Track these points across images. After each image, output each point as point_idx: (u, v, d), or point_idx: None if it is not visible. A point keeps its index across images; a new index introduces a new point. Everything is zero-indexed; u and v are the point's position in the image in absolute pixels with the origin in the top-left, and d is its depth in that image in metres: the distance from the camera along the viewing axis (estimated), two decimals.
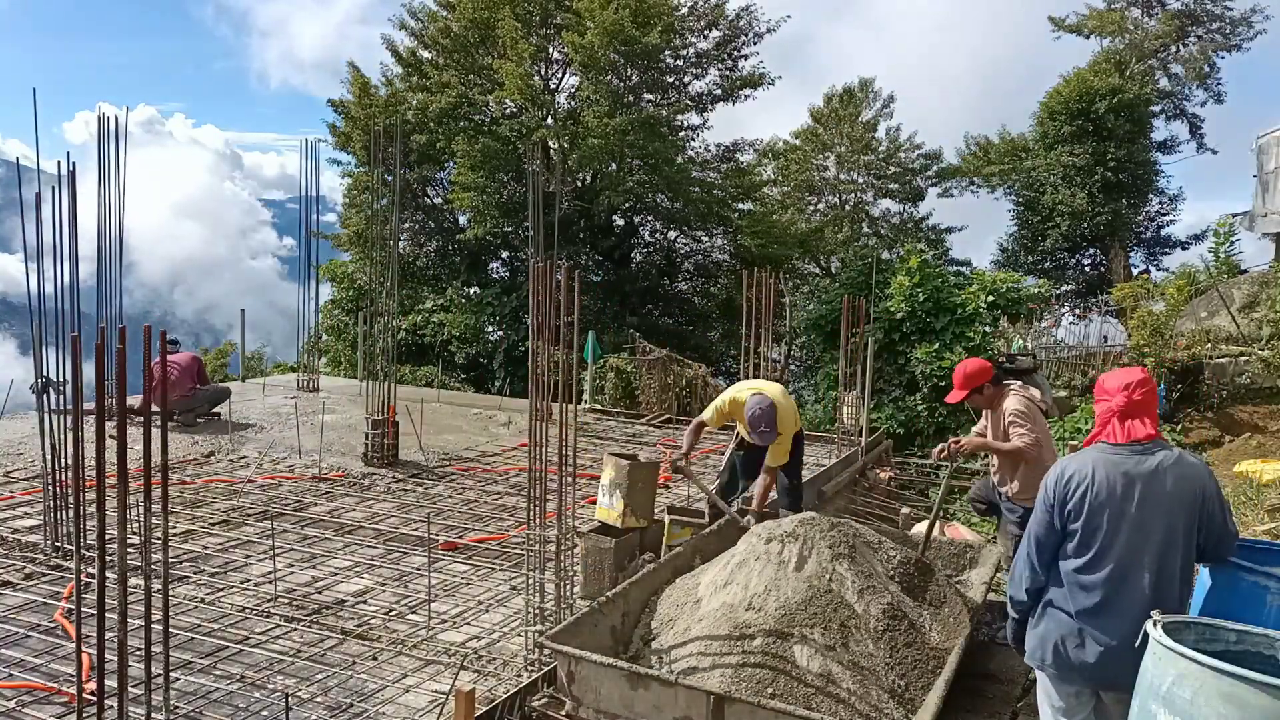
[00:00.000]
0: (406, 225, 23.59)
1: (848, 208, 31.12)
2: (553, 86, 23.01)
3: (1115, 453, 3.27)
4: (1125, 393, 3.30)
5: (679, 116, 23.05)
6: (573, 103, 22.57)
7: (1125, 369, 3.48)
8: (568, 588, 5.15)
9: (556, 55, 22.86)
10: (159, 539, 3.59)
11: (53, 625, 5.09)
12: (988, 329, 14.96)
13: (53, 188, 5.71)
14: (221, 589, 5.74)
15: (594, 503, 6.61)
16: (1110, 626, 3.22)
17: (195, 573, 5.99)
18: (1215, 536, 3.32)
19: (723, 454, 7.73)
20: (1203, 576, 4.73)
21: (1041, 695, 3.54)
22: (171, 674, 3.67)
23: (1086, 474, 3.26)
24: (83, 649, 3.66)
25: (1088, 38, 29.22)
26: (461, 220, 23.77)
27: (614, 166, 21.86)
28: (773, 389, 6.32)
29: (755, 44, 23.00)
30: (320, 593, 5.75)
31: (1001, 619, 5.63)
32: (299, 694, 4.39)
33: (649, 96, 22.59)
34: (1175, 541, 3.23)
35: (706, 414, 6.36)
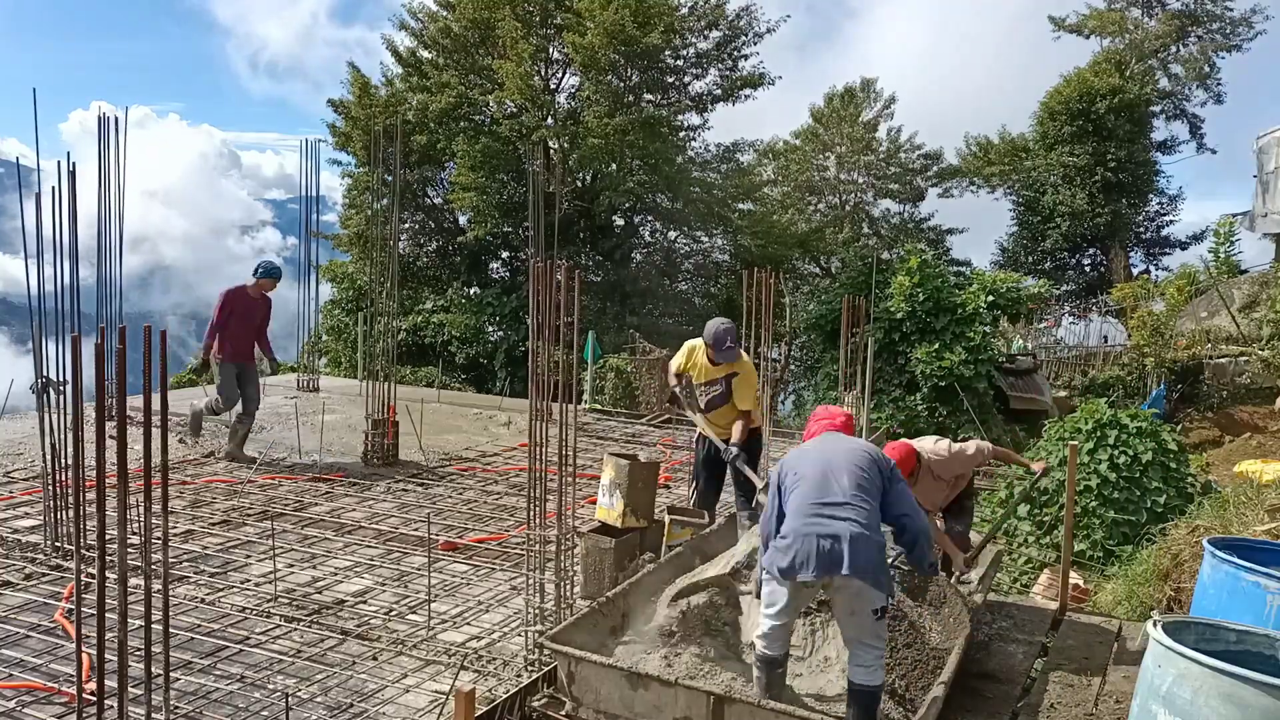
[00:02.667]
0: (406, 225, 23.56)
1: (848, 208, 31.10)
2: (553, 86, 23.00)
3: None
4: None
5: (679, 116, 23.04)
6: (573, 103, 22.55)
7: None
8: (568, 588, 5.14)
9: (556, 55, 22.84)
10: (159, 539, 3.59)
11: (53, 625, 5.08)
12: (987, 329, 14.96)
13: (52, 187, 5.72)
14: (221, 589, 5.74)
15: (594, 503, 6.60)
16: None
17: (195, 573, 5.99)
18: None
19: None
20: (1203, 577, 4.73)
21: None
22: (171, 674, 3.67)
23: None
24: (83, 649, 3.66)
25: (1088, 38, 29.21)
26: (462, 220, 23.74)
27: (614, 166, 21.84)
28: None
29: (755, 44, 23.01)
30: (320, 593, 5.75)
31: (1003, 618, 5.65)
32: (299, 694, 4.39)
33: (649, 96, 22.56)
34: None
35: (674, 360, 6.44)
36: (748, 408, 6.21)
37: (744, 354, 6.27)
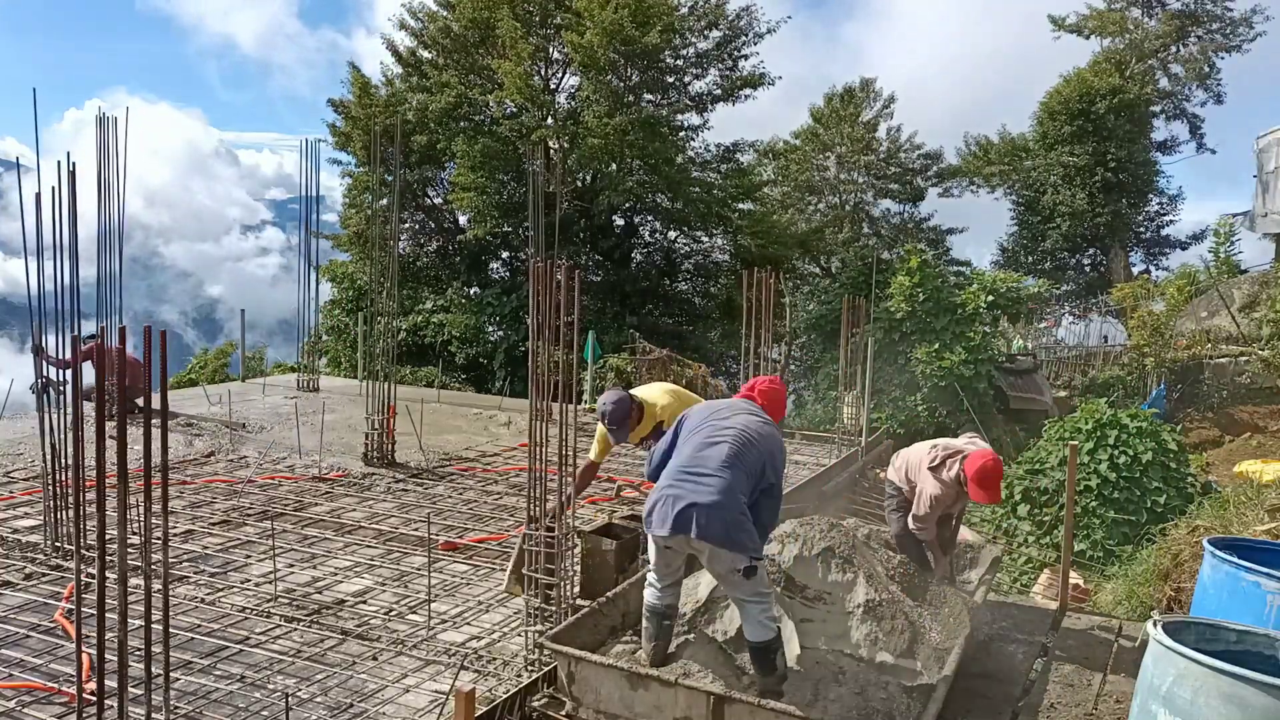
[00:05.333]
0: (406, 225, 23.56)
1: (848, 208, 31.07)
2: (553, 86, 22.98)
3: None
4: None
5: (679, 116, 23.04)
6: (573, 103, 22.54)
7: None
8: (568, 588, 5.14)
9: (556, 55, 22.82)
10: (159, 539, 3.59)
11: (53, 625, 5.09)
12: (987, 329, 14.97)
13: (52, 187, 5.71)
14: (221, 589, 5.74)
15: (594, 503, 6.56)
16: None
17: (195, 573, 5.99)
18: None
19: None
20: (1203, 577, 4.73)
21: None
22: (171, 674, 3.67)
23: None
24: (83, 649, 3.66)
25: (1088, 38, 29.16)
26: (462, 220, 23.74)
27: (614, 166, 21.83)
28: (657, 388, 6.08)
29: (755, 44, 23.00)
30: (320, 593, 5.75)
31: (1003, 618, 5.64)
32: (299, 694, 4.39)
33: (649, 96, 22.54)
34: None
35: (593, 452, 5.89)
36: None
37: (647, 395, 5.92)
